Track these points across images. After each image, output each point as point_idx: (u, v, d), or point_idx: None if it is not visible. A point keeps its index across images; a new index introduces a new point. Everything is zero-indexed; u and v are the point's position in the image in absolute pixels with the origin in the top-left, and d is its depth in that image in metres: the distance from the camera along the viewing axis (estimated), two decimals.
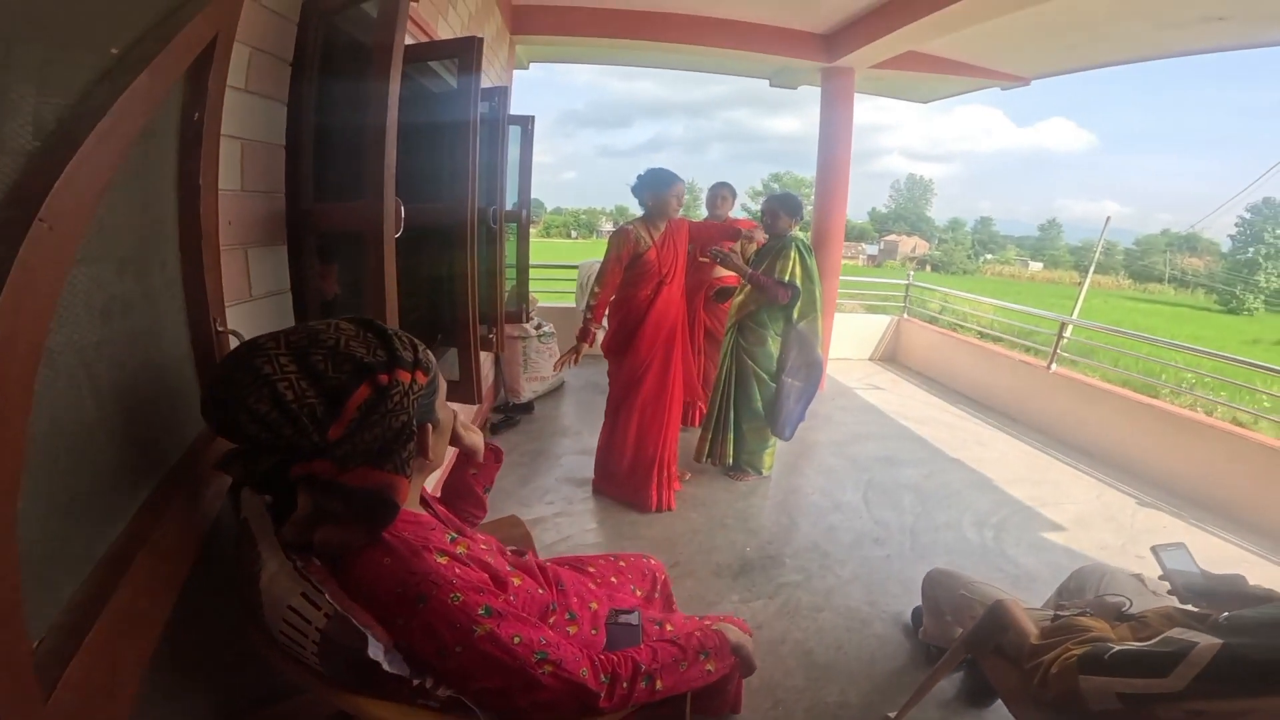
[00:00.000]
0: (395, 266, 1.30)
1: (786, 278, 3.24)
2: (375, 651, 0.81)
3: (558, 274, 7.11)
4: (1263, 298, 46.33)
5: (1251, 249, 47.97)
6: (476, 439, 1.22)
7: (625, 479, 3.24)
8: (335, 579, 0.86)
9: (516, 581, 1.06)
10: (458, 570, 0.91)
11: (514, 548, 1.31)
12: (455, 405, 1.55)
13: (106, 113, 0.68)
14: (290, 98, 1.42)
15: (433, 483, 1.38)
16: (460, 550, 0.98)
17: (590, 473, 3.56)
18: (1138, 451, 4.02)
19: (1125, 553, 3.04)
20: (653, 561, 1.71)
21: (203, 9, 0.98)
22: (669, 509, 3.19)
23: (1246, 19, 3.80)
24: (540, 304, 5.76)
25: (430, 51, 2.24)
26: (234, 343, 1.00)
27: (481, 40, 1.97)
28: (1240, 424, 5.20)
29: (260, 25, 1.29)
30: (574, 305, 6.05)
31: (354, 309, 1.64)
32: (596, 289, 3.17)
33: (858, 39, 4.76)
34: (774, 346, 3.41)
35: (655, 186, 3.06)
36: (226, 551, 0.99)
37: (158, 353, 0.96)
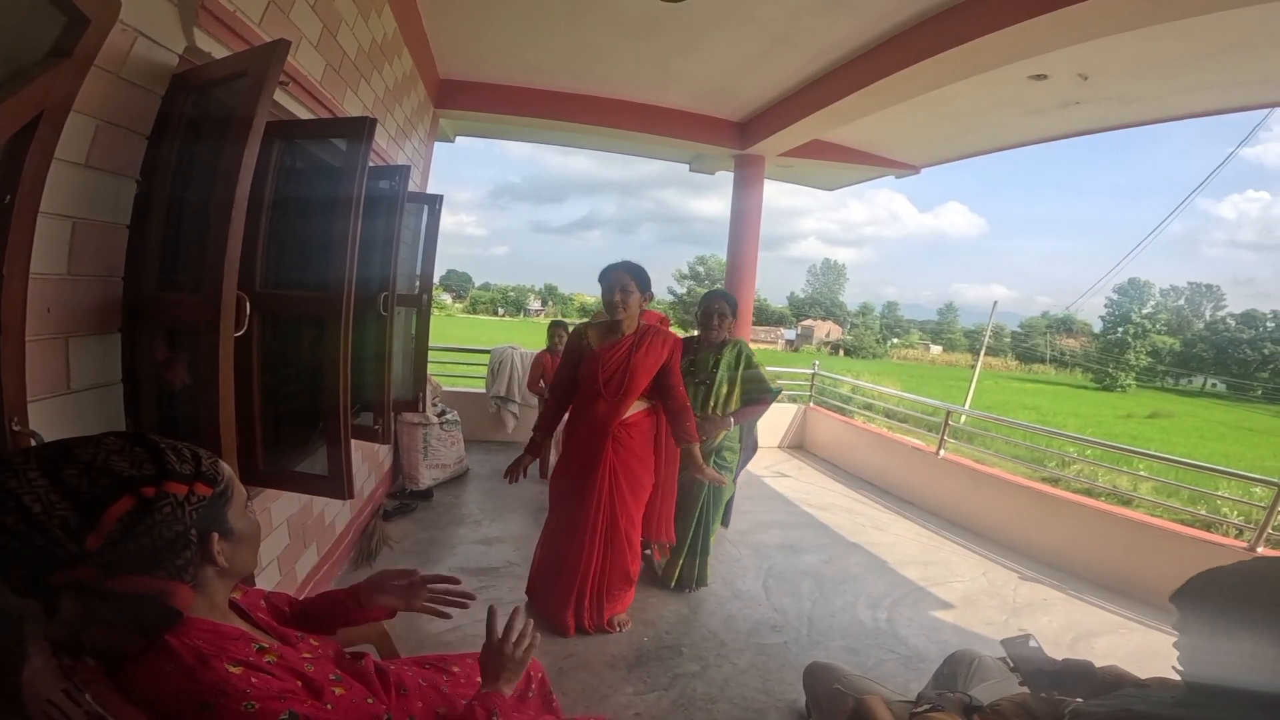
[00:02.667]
0: (232, 365, 1.23)
1: (774, 386, 3.12)
2: None
3: (468, 358, 6.91)
4: (1133, 374, 51.29)
5: (1120, 329, 53.46)
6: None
7: (545, 597, 2.86)
8: (111, 680, 0.86)
9: (338, 691, 1.01)
10: (254, 679, 0.88)
11: (357, 650, 1.24)
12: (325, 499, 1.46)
13: None
14: (144, 174, 1.37)
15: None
16: (269, 660, 0.95)
17: (489, 562, 3.45)
18: (1018, 530, 4.24)
19: (1009, 627, 3.15)
20: None
21: (25, 85, 0.95)
22: (591, 631, 2.81)
23: (1096, 102, 4.38)
24: (445, 389, 5.64)
25: (317, 129, 2.21)
26: (34, 444, 0.97)
27: (374, 122, 1.96)
28: (1121, 490, 5.66)
29: (114, 97, 1.26)
30: (483, 391, 5.96)
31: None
32: (546, 395, 2.87)
33: (768, 127, 5.21)
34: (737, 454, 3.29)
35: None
36: None
37: None
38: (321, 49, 2.38)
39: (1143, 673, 1.38)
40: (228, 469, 0.97)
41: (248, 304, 1.31)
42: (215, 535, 0.91)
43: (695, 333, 3.29)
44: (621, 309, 2.63)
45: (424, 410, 4.14)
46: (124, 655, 0.87)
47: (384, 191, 2.76)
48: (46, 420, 1.08)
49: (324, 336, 1.78)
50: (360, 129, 1.92)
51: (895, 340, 75.67)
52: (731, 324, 3.12)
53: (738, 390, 3.11)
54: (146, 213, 1.35)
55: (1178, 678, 1.15)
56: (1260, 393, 51.20)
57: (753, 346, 3.35)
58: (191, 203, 1.43)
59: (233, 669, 0.88)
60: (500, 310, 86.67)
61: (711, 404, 3.09)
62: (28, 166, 0.96)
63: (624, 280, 2.62)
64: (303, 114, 2.24)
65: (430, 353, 4.12)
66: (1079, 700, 1.28)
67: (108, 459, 0.83)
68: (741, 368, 3.10)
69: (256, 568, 1.06)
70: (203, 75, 1.48)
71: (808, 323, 77.29)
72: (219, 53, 1.62)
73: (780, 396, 7.38)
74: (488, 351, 5.97)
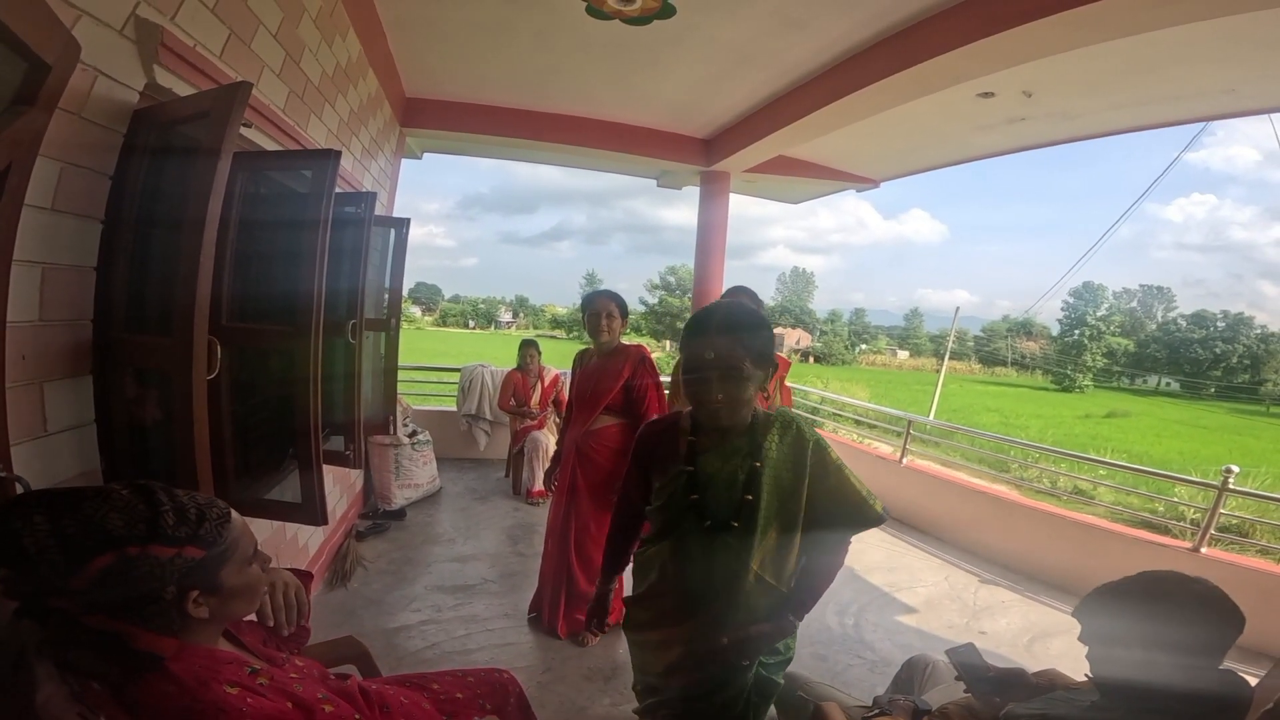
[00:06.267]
0: (206, 406, 1.24)
1: (879, 508, 1.46)
2: None
3: (439, 376, 6.95)
4: (1090, 375, 52.85)
5: (1077, 331, 55.12)
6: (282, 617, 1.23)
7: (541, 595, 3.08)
8: (117, 703, 0.91)
9: (328, 709, 1.06)
10: (249, 700, 0.94)
11: (340, 671, 1.30)
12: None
13: None
14: (108, 215, 1.37)
15: None
16: (261, 682, 1.00)
17: (464, 580, 3.47)
18: (977, 534, 4.39)
19: (969, 629, 3.26)
20: (505, 675, 1.67)
21: None
22: (561, 636, 2.95)
23: (1041, 118, 4.58)
24: (415, 408, 5.63)
25: (281, 162, 2.22)
26: (19, 488, 1.05)
27: (339, 155, 1.98)
28: (1081, 491, 5.88)
29: (77, 138, 1.26)
30: (454, 409, 5.95)
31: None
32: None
33: (733, 144, 5.32)
34: None
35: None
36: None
37: None
38: (284, 77, 2.38)
39: None
40: (236, 529, 1.03)
41: (219, 347, 1.33)
42: (195, 592, 0.97)
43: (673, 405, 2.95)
44: (606, 332, 2.88)
45: (394, 433, 4.14)
46: (110, 679, 0.93)
47: (350, 217, 2.77)
48: (26, 463, 1.10)
49: (293, 367, 1.79)
50: (325, 162, 1.94)
51: (864, 346, 76.76)
52: (769, 379, 1.42)
53: (799, 531, 1.42)
54: (112, 254, 1.36)
55: None
56: (1213, 390, 53.19)
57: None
58: (157, 242, 1.44)
59: (230, 690, 0.94)
60: (471, 323, 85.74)
61: (754, 570, 1.41)
62: (0, 221, 0.97)
63: (609, 307, 2.88)
64: (266, 143, 2.24)
65: (400, 372, 4.13)
66: (1012, 705, 1.37)
67: (105, 515, 0.90)
68: (809, 480, 1.41)
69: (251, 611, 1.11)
70: (164, 114, 1.48)
71: (778, 331, 77.56)
72: (180, 88, 1.61)
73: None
74: (458, 370, 6.01)
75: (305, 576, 1.33)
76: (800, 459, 1.40)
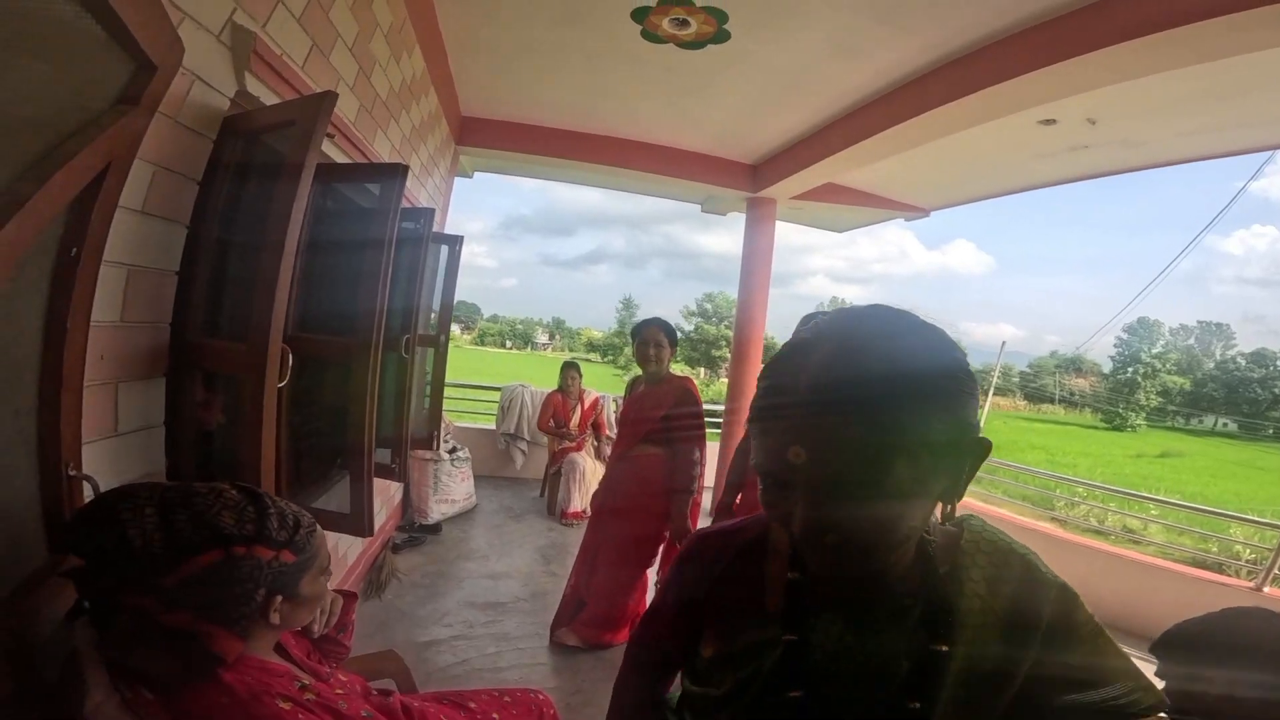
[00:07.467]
0: (275, 414, 1.26)
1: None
2: None
3: (478, 394, 7.07)
4: (1144, 414, 50.79)
5: (1130, 369, 53.07)
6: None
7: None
8: (168, 713, 0.91)
9: None
10: (300, 716, 0.95)
11: (382, 686, 1.32)
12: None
13: None
14: (193, 220, 1.40)
15: None
16: (309, 697, 1.01)
17: (496, 597, 3.46)
18: None
19: None
20: (541, 696, 1.66)
21: (93, 140, 0.97)
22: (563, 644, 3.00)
23: (1104, 146, 4.41)
24: (455, 425, 5.69)
25: (352, 174, 2.27)
26: (87, 489, 1.05)
27: (406, 169, 2.03)
28: (1131, 530, 5.65)
29: (171, 142, 1.28)
30: (493, 427, 5.99)
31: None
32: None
33: (780, 171, 5.27)
34: None
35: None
36: (49, 682, 0.97)
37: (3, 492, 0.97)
38: (356, 90, 2.43)
39: None
40: (320, 538, 1.05)
41: (290, 356, 1.34)
42: (279, 597, 0.99)
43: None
44: (654, 362, 2.89)
45: (437, 448, 4.17)
46: (168, 684, 0.93)
47: (409, 233, 2.81)
48: (95, 462, 1.11)
49: (351, 379, 1.81)
50: (394, 176, 1.98)
51: None
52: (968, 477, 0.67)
53: None
54: (194, 259, 1.38)
55: None
56: (1271, 432, 50.68)
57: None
58: (238, 250, 1.47)
59: (282, 705, 0.95)
60: (508, 343, 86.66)
61: None
62: (94, 218, 0.99)
63: (657, 336, 2.89)
64: (337, 156, 2.29)
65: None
66: None
67: (219, 513, 0.92)
68: (1040, 654, 0.67)
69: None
70: (251, 121, 1.51)
71: None
72: (266, 96, 1.64)
73: None
74: (498, 389, 6.09)
75: (349, 596, 1.35)
76: (1028, 622, 0.69)
